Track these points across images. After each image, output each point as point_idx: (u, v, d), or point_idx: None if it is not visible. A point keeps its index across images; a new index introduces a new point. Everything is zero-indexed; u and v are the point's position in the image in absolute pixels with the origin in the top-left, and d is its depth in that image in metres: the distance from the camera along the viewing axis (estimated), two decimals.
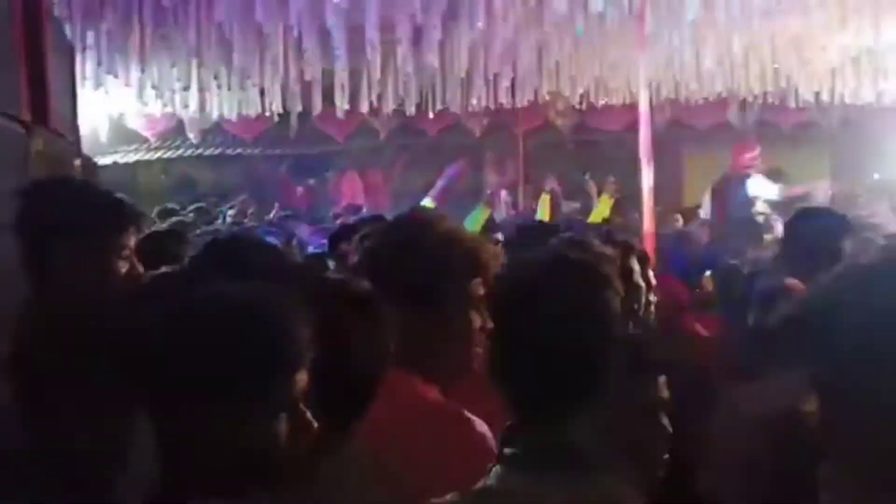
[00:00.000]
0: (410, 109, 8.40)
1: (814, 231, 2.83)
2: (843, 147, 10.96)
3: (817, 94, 8.16)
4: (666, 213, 8.76)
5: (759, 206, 7.10)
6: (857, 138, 10.47)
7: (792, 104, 8.57)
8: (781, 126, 10.05)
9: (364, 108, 8.06)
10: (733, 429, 1.95)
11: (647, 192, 5.47)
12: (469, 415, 1.60)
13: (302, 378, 1.16)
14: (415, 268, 1.68)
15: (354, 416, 1.41)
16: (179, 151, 10.53)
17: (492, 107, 8.56)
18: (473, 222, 5.83)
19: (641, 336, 1.99)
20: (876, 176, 10.04)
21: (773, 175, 9.86)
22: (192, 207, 7.72)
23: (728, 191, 7.17)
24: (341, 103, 7.72)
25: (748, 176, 7.13)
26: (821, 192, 6.74)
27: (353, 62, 6.90)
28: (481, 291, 1.71)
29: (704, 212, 7.49)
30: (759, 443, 1.85)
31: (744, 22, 5.92)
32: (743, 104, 9.34)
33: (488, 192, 8.69)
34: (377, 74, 7.22)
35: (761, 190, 7.13)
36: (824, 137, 10.64)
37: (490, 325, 1.60)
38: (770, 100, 8.53)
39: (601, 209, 9.01)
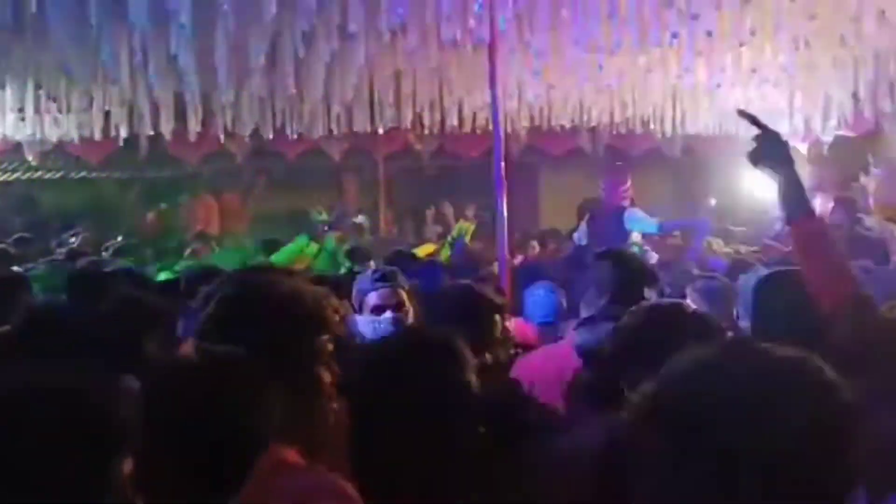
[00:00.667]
0: (268, 132, 8.26)
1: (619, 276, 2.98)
2: (684, 174, 11.66)
3: (661, 124, 8.64)
4: (524, 241, 9.02)
5: (635, 238, 7.30)
6: (697, 166, 11.17)
7: (638, 133, 9.04)
8: (629, 153, 10.56)
9: (219, 130, 7.87)
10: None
11: (502, 220, 5.57)
12: (334, 480, 1.56)
13: (127, 463, 1.13)
14: (260, 326, 1.67)
15: (232, 490, 1.36)
16: (17, 174, 9.85)
17: (351, 131, 8.57)
18: (293, 252, 5.56)
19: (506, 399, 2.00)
20: (713, 201, 10.75)
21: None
22: (14, 237, 7.20)
23: (605, 221, 7.29)
24: (194, 125, 7.50)
25: (624, 208, 7.33)
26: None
27: (205, 84, 6.73)
28: (329, 347, 1.70)
29: (579, 237, 7.63)
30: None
31: (590, 58, 6.19)
32: (593, 132, 9.75)
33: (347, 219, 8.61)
34: (230, 97, 7.03)
35: (638, 223, 7.32)
36: (668, 164, 11.27)
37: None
38: (618, 129, 8.98)
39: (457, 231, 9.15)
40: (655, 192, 11.39)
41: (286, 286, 1.75)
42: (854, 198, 8.32)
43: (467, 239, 8.93)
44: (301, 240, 5.53)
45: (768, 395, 1.04)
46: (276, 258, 5.41)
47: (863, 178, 8.81)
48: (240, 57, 6.22)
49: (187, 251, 7.51)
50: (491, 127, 5.85)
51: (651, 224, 7.19)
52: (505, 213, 5.57)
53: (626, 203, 7.30)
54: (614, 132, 9.31)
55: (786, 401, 1.04)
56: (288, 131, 8.20)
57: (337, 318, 1.76)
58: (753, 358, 1.09)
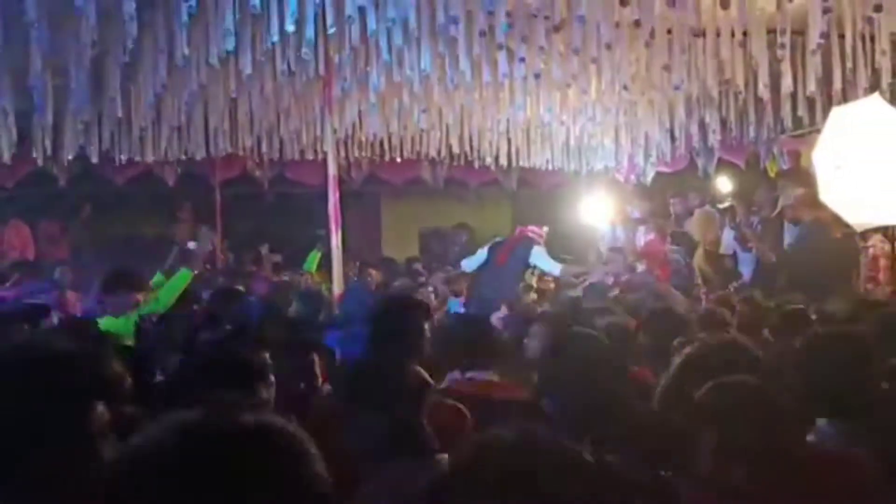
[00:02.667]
0: (93, 156, 7.83)
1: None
2: (522, 204, 12.09)
3: (497, 157, 8.93)
4: (363, 268, 9.00)
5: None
6: (534, 197, 11.61)
7: (476, 165, 9.30)
8: (469, 184, 10.83)
9: (38, 152, 7.38)
10: None
11: (336, 253, 5.55)
12: None
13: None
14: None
15: None
16: None
17: (186, 156, 8.29)
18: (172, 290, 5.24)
19: None
20: (545, 229, 11.17)
21: (461, 229, 10.62)
22: None
23: (513, 253, 7.50)
24: (9, 147, 7.01)
25: (532, 245, 7.55)
26: (595, 275, 7.30)
27: (21, 104, 6.31)
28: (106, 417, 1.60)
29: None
30: None
31: (425, 93, 6.32)
32: (433, 163, 9.93)
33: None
34: (49, 119, 6.61)
35: (543, 262, 7.59)
36: (506, 195, 11.65)
37: None
38: (458, 161, 9.20)
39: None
40: (494, 220, 11.77)
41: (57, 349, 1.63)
42: (688, 233, 8.87)
43: (313, 268, 8.83)
44: (184, 274, 5.12)
45: None
46: (163, 297, 5.00)
47: (673, 213, 9.46)
48: (61, 76, 5.90)
49: (9, 282, 6.97)
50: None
51: (555, 267, 7.52)
52: (338, 245, 5.56)
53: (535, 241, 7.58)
54: (454, 163, 9.52)
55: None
56: (115, 155, 7.82)
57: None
58: None
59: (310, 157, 8.46)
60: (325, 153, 6.32)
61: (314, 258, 8.02)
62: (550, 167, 9.65)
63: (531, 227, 7.71)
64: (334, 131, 6.22)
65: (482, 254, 7.54)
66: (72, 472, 1.44)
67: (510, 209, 12.36)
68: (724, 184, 9.01)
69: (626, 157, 9.38)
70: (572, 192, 10.66)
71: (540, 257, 7.50)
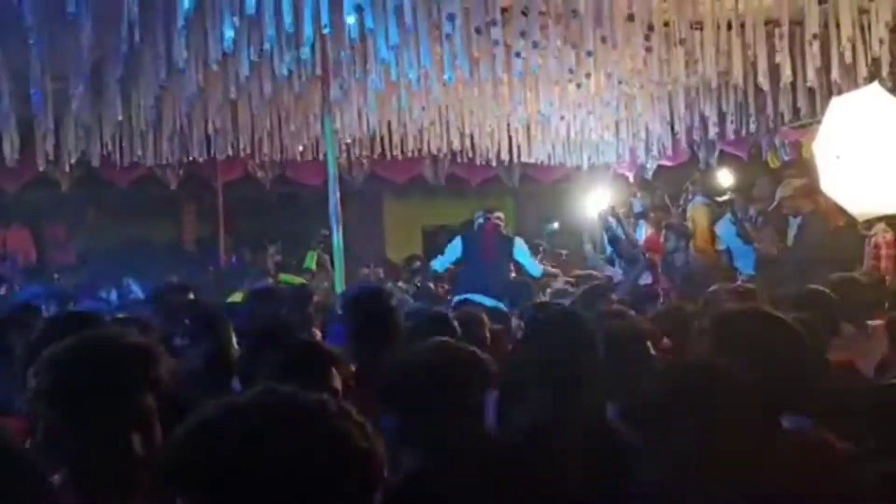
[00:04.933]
0: (95, 160, 7.86)
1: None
2: (525, 200, 12.10)
3: (498, 154, 8.93)
4: (371, 270, 9.04)
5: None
6: (536, 192, 11.62)
7: (478, 162, 9.30)
8: (470, 181, 10.83)
9: (39, 157, 7.41)
10: None
11: (338, 252, 5.57)
12: None
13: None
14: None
15: None
16: None
17: (187, 158, 8.32)
18: None
19: None
20: (556, 225, 11.19)
21: (467, 227, 10.60)
22: None
23: (496, 248, 7.51)
24: (11, 152, 7.04)
25: (512, 240, 7.62)
26: (560, 280, 7.34)
27: (21, 110, 6.35)
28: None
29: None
30: None
31: (424, 91, 6.32)
32: (435, 160, 9.93)
33: None
34: (50, 124, 6.64)
35: (526, 260, 7.62)
36: (508, 192, 11.65)
37: None
38: (459, 158, 9.20)
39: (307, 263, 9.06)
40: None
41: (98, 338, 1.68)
42: (684, 223, 8.91)
43: (313, 266, 8.85)
44: None
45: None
46: None
47: (681, 204, 9.45)
48: (61, 81, 5.93)
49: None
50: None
51: (535, 268, 7.57)
52: (341, 243, 5.58)
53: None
54: (456, 160, 9.52)
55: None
56: (117, 158, 7.85)
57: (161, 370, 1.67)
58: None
59: (310, 156, 8.47)
60: (325, 153, 6.36)
61: (312, 257, 8.05)
62: (552, 162, 9.65)
63: (497, 215, 7.73)
64: (334, 131, 6.25)
65: (455, 249, 7.51)
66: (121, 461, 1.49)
67: (512, 205, 12.35)
68: (724, 177, 9.00)
69: (627, 151, 9.37)
70: (574, 186, 10.66)
71: (523, 254, 7.52)
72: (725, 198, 8.23)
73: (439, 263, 7.78)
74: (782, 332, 2.14)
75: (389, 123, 7.65)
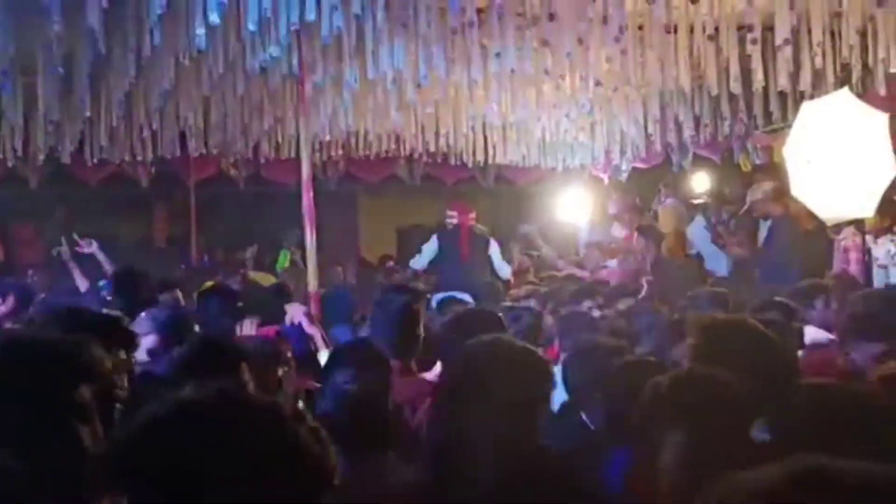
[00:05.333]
0: (65, 157, 7.76)
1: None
2: (500, 201, 12.11)
3: (474, 154, 8.94)
4: (345, 267, 9.00)
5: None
6: (511, 194, 11.63)
7: (453, 162, 9.30)
8: (445, 181, 10.83)
9: (8, 153, 7.30)
10: None
11: (311, 252, 5.52)
12: None
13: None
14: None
15: None
16: None
17: (159, 156, 8.23)
18: None
19: None
20: (530, 226, 11.22)
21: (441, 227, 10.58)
22: None
23: (473, 246, 7.63)
24: None
25: (487, 238, 7.78)
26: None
27: None
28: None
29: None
30: None
31: (399, 91, 6.30)
32: (410, 160, 9.91)
33: None
34: (19, 119, 6.54)
35: (498, 261, 7.76)
36: (483, 192, 11.65)
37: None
38: (434, 158, 9.19)
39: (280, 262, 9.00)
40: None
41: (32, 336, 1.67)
42: (654, 226, 8.97)
43: (285, 265, 8.80)
44: None
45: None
46: None
47: (654, 206, 9.53)
48: (30, 75, 5.84)
49: None
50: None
51: (506, 271, 7.70)
52: (315, 242, 5.54)
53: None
54: (430, 161, 9.51)
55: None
56: (87, 155, 7.74)
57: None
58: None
59: (285, 155, 8.42)
60: (299, 152, 6.31)
61: (285, 256, 8.00)
62: (527, 164, 9.68)
63: (471, 216, 7.82)
64: (308, 130, 6.20)
65: (432, 248, 7.58)
66: (57, 457, 1.47)
67: (487, 206, 12.35)
68: (697, 180, 9.08)
69: (601, 153, 9.42)
70: (549, 188, 10.69)
71: (496, 255, 7.62)
72: (698, 201, 8.30)
73: (417, 262, 7.80)
74: (766, 345, 2.16)
75: (365, 123, 7.62)
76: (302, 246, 5.83)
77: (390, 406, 2.41)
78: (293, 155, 8.10)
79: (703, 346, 2.20)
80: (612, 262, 8.07)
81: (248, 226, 10.36)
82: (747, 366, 2.02)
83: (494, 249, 7.71)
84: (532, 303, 5.23)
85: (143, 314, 3.49)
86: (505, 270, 7.69)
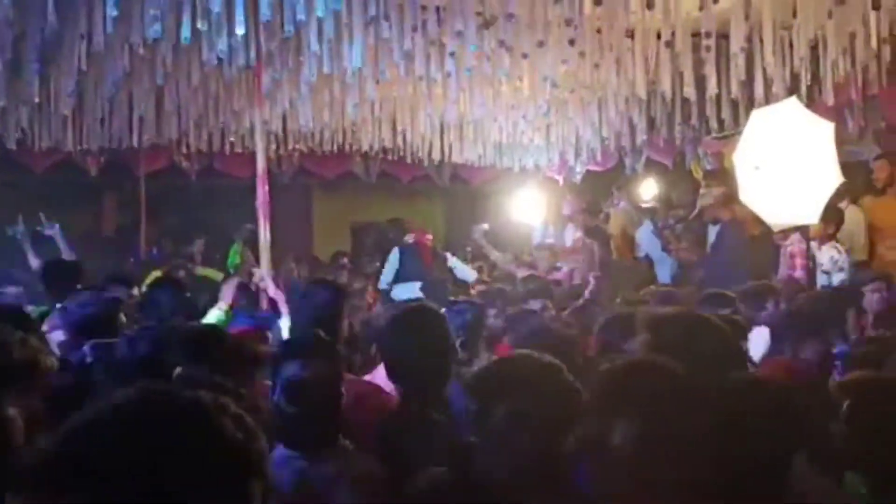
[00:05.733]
0: (10, 143, 7.54)
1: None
2: (455, 200, 12.14)
3: (430, 153, 8.93)
4: (297, 262, 8.91)
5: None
6: (466, 193, 11.67)
7: (409, 160, 9.28)
8: (401, 179, 10.81)
9: None
10: None
11: (265, 247, 5.46)
12: None
13: None
14: None
15: None
16: None
17: (109, 145, 8.06)
18: None
19: None
20: (485, 226, 11.27)
21: (394, 223, 10.57)
22: None
23: (435, 254, 8.12)
24: None
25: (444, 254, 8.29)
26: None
27: None
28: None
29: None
30: None
31: (358, 86, 6.27)
32: (366, 157, 9.87)
33: None
34: None
35: (460, 268, 8.24)
36: (438, 191, 11.67)
37: None
38: (390, 156, 9.17)
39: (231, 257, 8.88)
40: (427, 215, 11.79)
41: None
42: (603, 228, 9.11)
43: (237, 261, 8.68)
44: None
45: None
46: None
47: (602, 212, 9.67)
48: None
49: None
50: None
51: (470, 275, 8.05)
52: (268, 237, 5.48)
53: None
54: (387, 158, 9.47)
55: None
56: (35, 142, 7.54)
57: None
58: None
59: (239, 149, 8.31)
60: (254, 145, 6.24)
61: (236, 251, 7.92)
62: (483, 163, 9.71)
63: (424, 233, 8.20)
64: (264, 123, 6.13)
65: (394, 262, 7.90)
66: None
67: (442, 205, 12.39)
68: (649, 184, 9.22)
69: (556, 155, 9.50)
70: (504, 188, 10.75)
71: (457, 262, 8.00)
72: (648, 205, 8.44)
73: (384, 280, 8.06)
74: (713, 335, 2.21)
75: (321, 118, 7.56)
76: (255, 241, 5.75)
77: (343, 397, 2.39)
78: (247, 149, 8.01)
79: (653, 339, 2.24)
80: (565, 264, 8.16)
81: (200, 219, 10.19)
82: (698, 357, 2.07)
83: (453, 261, 8.17)
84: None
85: (56, 308, 3.43)
86: (469, 276, 8.10)
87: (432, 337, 2.77)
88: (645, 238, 8.45)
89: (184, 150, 8.74)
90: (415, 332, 2.78)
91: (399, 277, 7.83)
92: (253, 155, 5.96)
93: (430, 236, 8.35)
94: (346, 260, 9.34)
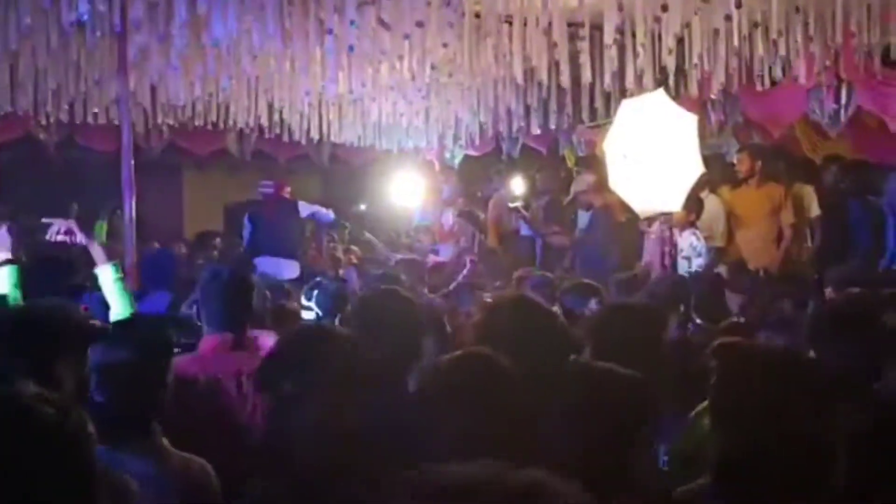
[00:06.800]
0: None
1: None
2: (334, 181, 11.99)
3: (308, 132, 8.75)
4: (171, 243, 8.58)
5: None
6: (345, 173, 11.54)
7: (287, 138, 9.06)
8: (278, 158, 10.57)
9: None
10: None
11: (130, 224, 5.21)
12: None
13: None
14: None
15: None
16: None
17: None
18: None
19: None
20: (363, 207, 11.20)
21: None
22: None
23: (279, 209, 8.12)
24: None
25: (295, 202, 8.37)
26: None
27: None
28: None
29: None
30: None
31: (231, 58, 6.07)
32: (241, 134, 9.58)
33: None
34: None
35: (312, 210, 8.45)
36: (317, 171, 11.50)
37: None
38: (266, 134, 8.91)
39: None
40: (305, 196, 11.57)
41: None
42: (475, 213, 9.23)
43: (103, 238, 8.24)
44: None
45: None
46: None
47: (480, 194, 9.82)
48: None
49: None
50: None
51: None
52: (134, 216, 5.23)
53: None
54: (263, 136, 9.22)
55: None
56: None
57: None
58: None
59: (104, 120, 7.86)
60: (119, 117, 5.91)
61: (101, 228, 7.52)
62: (362, 144, 9.62)
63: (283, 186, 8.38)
64: (131, 94, 5.82)
65: (248, 227, 7.99)
66: None
67: (320, 185, 12.22)
68: (525, 170, 9.42)
69: (435, 138, 9.54)
70: (384, 170, 10.71)
71: (308, 208, 8.34)
72: (521, 191, 8.62)
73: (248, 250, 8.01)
74: (542, 318, 2.25)
75: (193, 92, 7.26)
76: (119, 218, 5.47)
77: (165, 387, 2.28)
78: (112, 121, 7.59)
79: (484, 324, 2.28)
80: (443, 247, 8.23)
81: (60, 194, 9.59)
82: (526, 343, 2.12)
83: (305, 206, 8.31)
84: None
85: None
86: (329, 215, 8.38)
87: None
88: (523, 224, 8.65)
89: (42, 120, 8.18)
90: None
91: (256, 247, 7.85)
92: (118, 128, 5.66)
93: (288, 189, 8.47)
94: (218, 240, 9.04)
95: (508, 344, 2.03)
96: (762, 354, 2.00)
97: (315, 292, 3.49)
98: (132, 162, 5.24)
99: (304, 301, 3.44)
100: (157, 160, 9.44)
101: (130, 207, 5.20)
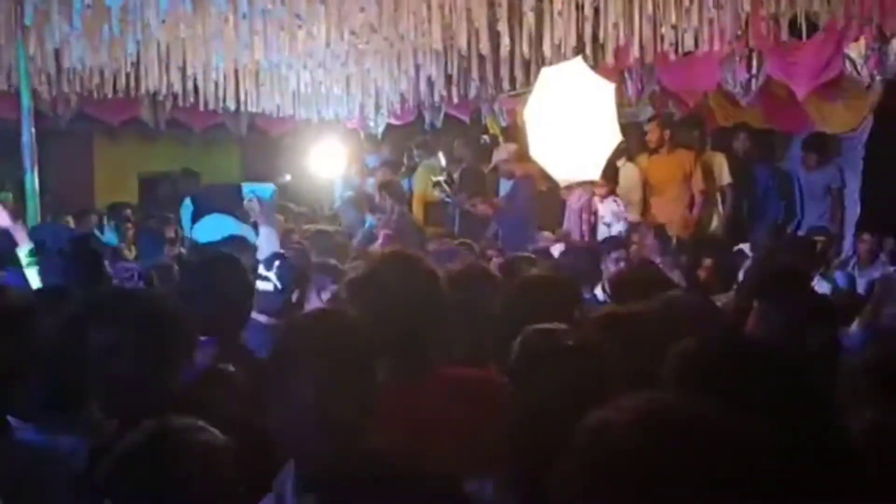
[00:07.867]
0: None
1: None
2: (252, 151, 11.71)
3: (224, 100, 8.49)
4: (84, 216, 8.25)
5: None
6: (264, 143, 11.28)
7: (202, 107, 8.77)
8: (193, 127, 10.25)
9: None
10: None
11: (33, 198, 4.99)
12: None
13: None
14: None
15: None
16: None
17: None
18: None
19: None
20: (288, 177, 10.96)
21: (189, 175, 10.02)
22: None
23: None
24: None
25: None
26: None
27: None
28: None
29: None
30: None
31: (138, 21, 5.83)
32: (154, 102, 9.24)
33: None
34: None
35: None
36: (234, 140, 11.21)
37: None
38: (181, 102, 8.61)
39: None
40: (222, 167, 11.29)
41: None
42: (398, 183, 9.16)
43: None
44: None
45: None
46: None
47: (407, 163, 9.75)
48: None
49: None
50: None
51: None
52: (37, 187, 5.01)
53: None
54: (178, 104, 8.90)
55: None
56: None
57: None
58: None
59: (4, 86, 7.45)
60: (18, 83, 5.61)
61: (6, 198, 7.20)
62: (281, 113, 9.40)
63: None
64: (30, 58, 5.54)
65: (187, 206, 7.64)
66: None
67: (238, 155, 11.94)
68: (447, 140, 9.39)
69: (357, 107, 9.40)
70: (304, 139, 10.52)
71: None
72: (442, 161, 8.60)
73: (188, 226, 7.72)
74: (418, 276, 2.25)
75: (99, 57, 6.93)
76: (21, 189, 5.23)
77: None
78: (11, 87, 7.19)
79: (350, 288, 2.31)
80: (370, 218, 8.12)
81: None
82: (387, 305, 2.14)
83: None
84: None
85: None
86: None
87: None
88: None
89: None
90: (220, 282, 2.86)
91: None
92: (12, 97, 5.36)
93: None
94: (130, 212, 8.73)
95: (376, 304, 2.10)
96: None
97: (276, 263, 3.40)
98: (33, 130, 5.00)
99: (262, 271, 3.35)
100: (66, 129, 9.04)
101: (34, 178, 4.97)
